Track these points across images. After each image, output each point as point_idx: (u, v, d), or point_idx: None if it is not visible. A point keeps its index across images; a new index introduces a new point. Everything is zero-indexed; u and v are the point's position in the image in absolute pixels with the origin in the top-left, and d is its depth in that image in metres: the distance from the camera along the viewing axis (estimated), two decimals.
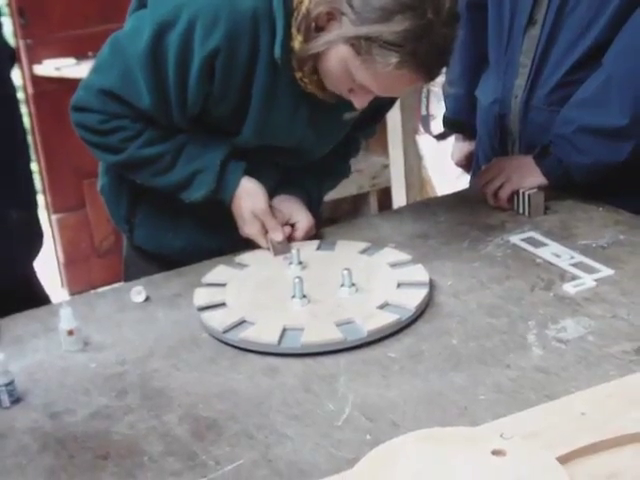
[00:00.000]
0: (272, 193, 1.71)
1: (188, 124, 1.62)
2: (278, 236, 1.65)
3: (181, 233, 1.77)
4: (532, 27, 1.87)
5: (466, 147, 2.31)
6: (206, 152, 1.63)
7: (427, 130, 3.52)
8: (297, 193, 1.74)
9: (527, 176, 1.83)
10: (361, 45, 1.41)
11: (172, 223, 1.76)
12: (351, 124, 1.72)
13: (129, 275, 1.83)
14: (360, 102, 1.53)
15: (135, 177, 1.68)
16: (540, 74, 1.88)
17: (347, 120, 1.69)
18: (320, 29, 1.46)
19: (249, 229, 1.66)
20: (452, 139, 2.46)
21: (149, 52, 1.51)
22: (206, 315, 1.45)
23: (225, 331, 1.40)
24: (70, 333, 1.40)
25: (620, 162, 1.77)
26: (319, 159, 1.76)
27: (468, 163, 2.32)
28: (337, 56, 1.46)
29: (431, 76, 1.47)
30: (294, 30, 1.50)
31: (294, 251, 1.59)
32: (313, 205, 1.78)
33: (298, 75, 1.55)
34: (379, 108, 1.76)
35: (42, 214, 3.77)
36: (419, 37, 1.38)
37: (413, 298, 1.45)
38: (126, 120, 1.59)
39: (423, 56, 1.40)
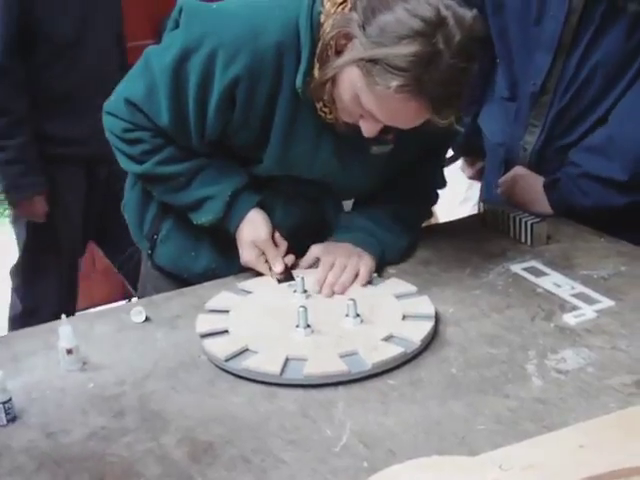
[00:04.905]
0: (301, 225, 1.71)
1: (207, 148, 1.63)
2: (277, 268, 1.64)
3: (203, 252, 1.75)
4: (544, 95, 1.90)
5: (476, 162, 2.37)
6: (221, 180, 1.64)
7: None
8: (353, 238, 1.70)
9: (535, 204, 1.90)
10: (367, 67, 1.40)
11: (195, 241, 1.75)
12: (385, 159, 1.65)
13: (145, 296, 1.81)
14: (368, 129, 1.51)
15: (151, 190, 1.72)
16: (552, 136, 1.92)
17: (378, 154, 1.62)
18: (337, 53, 1.47)
19: (247, 255, 1.65)
20: (456, 165, 2.47)
21: (172, 71, 1.54)
22: (208, 342, 1.44)
23: (227, 359, 1.39)
24: (69, 352, 1.40)
25: (620, 206, 1.83)
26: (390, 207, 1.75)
27: (481, 175, 2.35)
28: (348, 79, 1.45)
29: (436, 108, 1.42)
30: (316, 59, 1.51)
31: (298, 279, 1.57)
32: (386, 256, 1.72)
33: (318, 105, 1.55)
34: (432, 148, 1.76)
35: None
36: (425, 63, 1.37)
37: (418, 331, 1.43)
38: (147, 134, 1.62)
39: (427, 84, 1.38)
